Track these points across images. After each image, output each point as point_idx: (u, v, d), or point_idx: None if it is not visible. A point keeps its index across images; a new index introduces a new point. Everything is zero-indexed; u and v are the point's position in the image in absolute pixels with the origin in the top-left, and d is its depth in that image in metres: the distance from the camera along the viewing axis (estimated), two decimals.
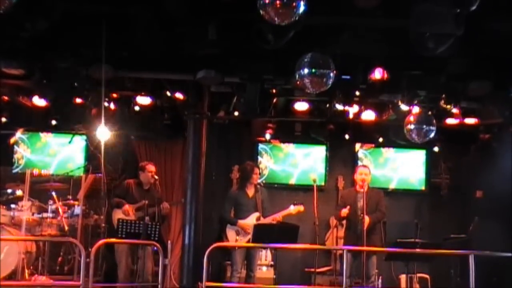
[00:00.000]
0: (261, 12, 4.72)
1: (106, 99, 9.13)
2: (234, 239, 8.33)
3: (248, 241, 8.15)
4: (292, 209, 8.53)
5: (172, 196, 9.85)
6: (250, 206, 8.44)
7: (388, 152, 11.17)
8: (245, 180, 8.58)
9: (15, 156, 10.56)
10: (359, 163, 10.71)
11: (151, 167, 8.65)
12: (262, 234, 7.62)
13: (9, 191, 9.29)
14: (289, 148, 11.10)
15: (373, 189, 8.75)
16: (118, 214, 8.35)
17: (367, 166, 8.80)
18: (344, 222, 8.83)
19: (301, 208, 8.58)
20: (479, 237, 9.28)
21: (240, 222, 8.34)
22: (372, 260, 8.20)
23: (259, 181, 8.90)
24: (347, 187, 10.61)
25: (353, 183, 8.86)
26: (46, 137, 10.71)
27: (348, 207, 8.30)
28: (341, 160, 11.21)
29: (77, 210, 9.49)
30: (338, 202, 9.08)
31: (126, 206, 8.35)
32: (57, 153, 10.70)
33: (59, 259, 9.53)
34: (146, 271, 8.18)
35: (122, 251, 8.31)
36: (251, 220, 8.33)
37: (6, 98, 9.00)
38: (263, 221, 8.29)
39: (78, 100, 8.87)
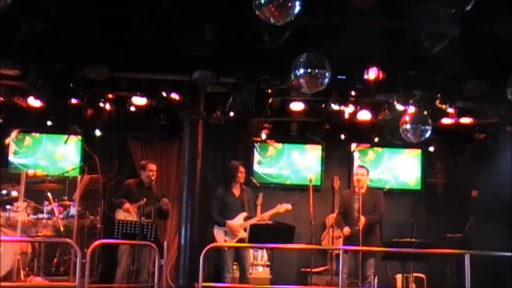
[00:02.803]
0: (257, 12, 4.72)
1: (102, 99, 9.15)
2: (222, 239, 8.33)
3: (238, 241, 8.17)
4: (280, 207, 8.54)
5: (168, 196, 9.84)
6: (237, 206, 8.47)
7: (384, 152, 11.18)
8: (231, 180, 8.58)
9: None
10: (355, 163, 10.73)
11: (152, 166, 8.74)
12: (258, 234, 7.63)
13: (4, 192, 9.27)
14: (285, 148, 11.10)
15: (372, 189, 8.74)
16: (120, 214, 8.44)
17: (364, 167, 8.77)
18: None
19: (288, 206, 8.59)
20: (475, 236, 9.31)
21: (228, 222, 8.34)
22: (370, 261, 8.19)
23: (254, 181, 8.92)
24: (343, 187, 10.66)
25: (352, 183, 8.87)
26: (41, 138, 10.69)
27: (348, 228, 8.28)
28: (337, 160, 11.21)
29: (73, 210, 9.47)
30: (338, 203, 9.07)
31: (127, 205, 8.43)
32: (52, 153, 10.68)
33: (55, 260, 9.50)
34: (145, 271, 8.22)
35: (124, 251, 8.35)
36: (239, 220, 8.35)
37: (1, 98, 8.97)
38: (252, 220, 8.30)
39: (74, 101, 8.85)
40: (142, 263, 8.26)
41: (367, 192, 8.39)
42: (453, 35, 5.39)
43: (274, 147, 11.02)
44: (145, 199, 8.30)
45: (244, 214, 8.39)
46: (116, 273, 8.39)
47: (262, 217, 8.42)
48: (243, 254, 8.42)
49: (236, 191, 8.53)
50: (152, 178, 8.59)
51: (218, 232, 8.39)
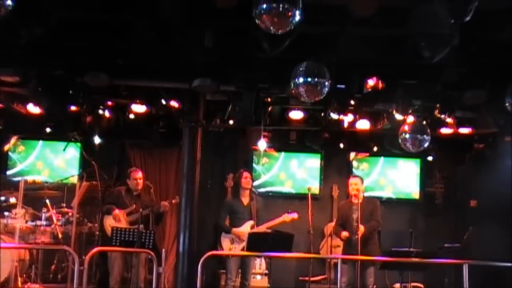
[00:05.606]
0: (257, 21, 4.72)
1: (101, 106, 9.16)
2: (228, 247, 8.32)
3: (243, 249, 8.15)
4: (286, 217, 8.55)
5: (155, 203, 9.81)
6: (245, 214, 8.45)
7: (383, 161, 11.18)
8: (237, 187, 8.59)
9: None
10: (354, 172, 10.72)
11: (137, 174, 8.69)
12: (256, 242, 7.59)
13: (3, 198, 9.25)
14: (284, 156, 11.08)
15: (368, 198, 8.75)
16: (108, 220, 8.44)
17: (357, 176, 8.76)
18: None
19: (295, 216, 8.60)
20: (474, 246, 9.29)
21: (235, 230, 8.34)
22: (370, 270, 8.16)
23: (253, 189, 8.90)
24: (342, 196, 10.62)
25: (348, 194, 8.87)
26: (39, 144, 10.68)
27: (346, 232, 8.26)
28: (336, 169, 11.20)
29: (71, 217, 9.45)
30: (336, 215, 9.06)
31: (116, 211, 8.41)
32: (51, 160, 10.66)
33: (53, 267, 9.48)
34: (139, 279, 8.19)
35: (115, 259, 8.32)
36: (246, 228, 8.33)
37: (0, 105, 8.98)
38: (257, 229, 8.29)
39: (73, 108, 8.86)
40: (135, 269, 8.21)
41: (363, 201, 8.36)
42: (453, 44, 5.40)
43: (270, 156, 10.98)
44: (134, 206, 8.29)
45: (251, 223, 8.38)
46: (110, 281, 8.37)
47: (268, 225, 8.43)
48: (248, 262, 8.41)
49: (245, 199, 8.53)
50: (139, 185, 8.59)
51: (224, 239, 8.41)
